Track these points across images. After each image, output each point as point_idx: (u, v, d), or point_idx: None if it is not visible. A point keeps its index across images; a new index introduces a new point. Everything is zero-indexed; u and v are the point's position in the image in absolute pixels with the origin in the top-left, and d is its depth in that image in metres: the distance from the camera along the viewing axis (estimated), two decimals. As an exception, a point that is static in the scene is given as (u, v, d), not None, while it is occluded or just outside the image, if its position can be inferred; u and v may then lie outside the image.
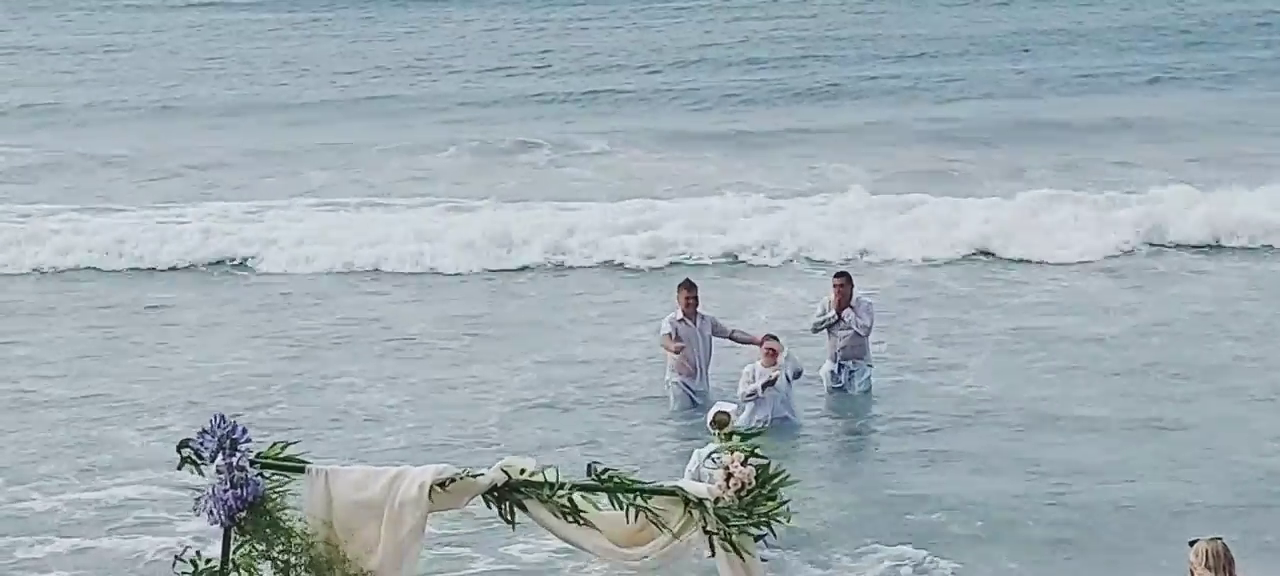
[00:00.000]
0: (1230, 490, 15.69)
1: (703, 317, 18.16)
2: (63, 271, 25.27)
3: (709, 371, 18.18)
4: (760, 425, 15.88)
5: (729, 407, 15.36)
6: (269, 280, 24.50)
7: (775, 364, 17.01)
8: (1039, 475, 16.18)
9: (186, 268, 25.07)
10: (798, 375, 17.55)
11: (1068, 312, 21.70)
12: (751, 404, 16.99)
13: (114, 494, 16.23)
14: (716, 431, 14.58)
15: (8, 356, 21.28)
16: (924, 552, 14.50)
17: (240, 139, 34.17)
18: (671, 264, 23.98)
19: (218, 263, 25.15)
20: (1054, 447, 16.92)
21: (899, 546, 14.64)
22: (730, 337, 18.24)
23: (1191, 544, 9.57)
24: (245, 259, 25.24)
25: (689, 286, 18.30)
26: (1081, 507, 15.33)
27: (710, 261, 24.32)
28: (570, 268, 24.45)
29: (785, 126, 33.62)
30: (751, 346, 17.92)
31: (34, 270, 25.26)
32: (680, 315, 18.06)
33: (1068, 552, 14.50)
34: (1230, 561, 9.39)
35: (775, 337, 17.35)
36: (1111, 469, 16.30)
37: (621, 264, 24.46)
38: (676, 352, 17.89)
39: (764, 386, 16.95)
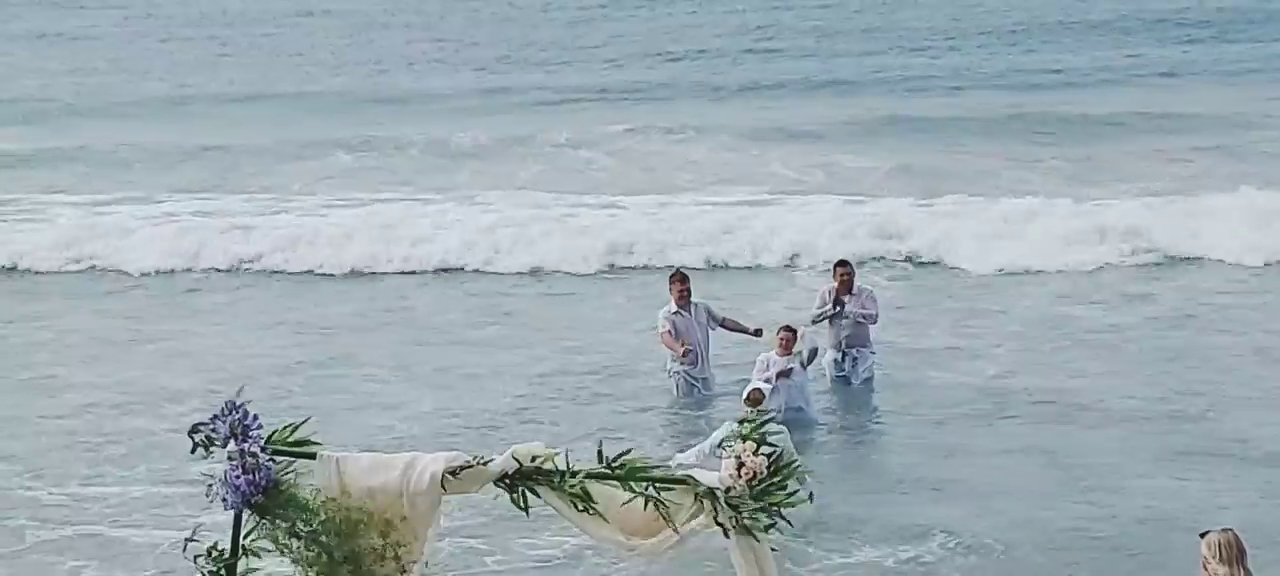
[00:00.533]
0: (1254, 484, 15.55)
1: (697, 305, 18.29)
2: (84, 260, 25.23)
3: (709, 356, 18.30)
4: (773, 415, 15.81)
5: (764, 385, 15.36)
6: (289, 271, 24.45)
7: (789, 353, 16.92)
8: (1060, 466, 16.08)
9: (207, 261, 24.96)
10: (813, 354, 17.52)
11: (1086, 303, 21.64)
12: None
13: (131, 483, 16.16)
14: (751, 408, 14.61)
15: (31, 341, 21.36)
16: (946, 542, 14.39)
17: (260, 129, 34.17)
18: (679, 265, 23.67)
19: (235, 267, 24.88)
20: (1075, 439, 16.81)
21: (920, 536, 14.53)
22: (722, 326, 18.34)
23: (1202, 536, 9.51)
24: (265, 251, 25.08)
25: (682, 277, 18.44)
26: (1105, 502, 15.17)
27: (728, 261, 24.13)
28: (586, 263, 24.25)
29: (804, 118, 33.55)
30: (746, 336, 18.09)
31: (63, 268, 25.09)
32: (675, 307, 18.15)
33: (1094, 548, 14.33)
34: (1242, 551, 9.34)
35: (790, 328, 17.25)
36: (1135, 461, 16.18)
37: (635, 251, 24.35)
38: (684, 356, 17.95)
39: (778, 376, 16.84)
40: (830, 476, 15.80)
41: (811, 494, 14.23)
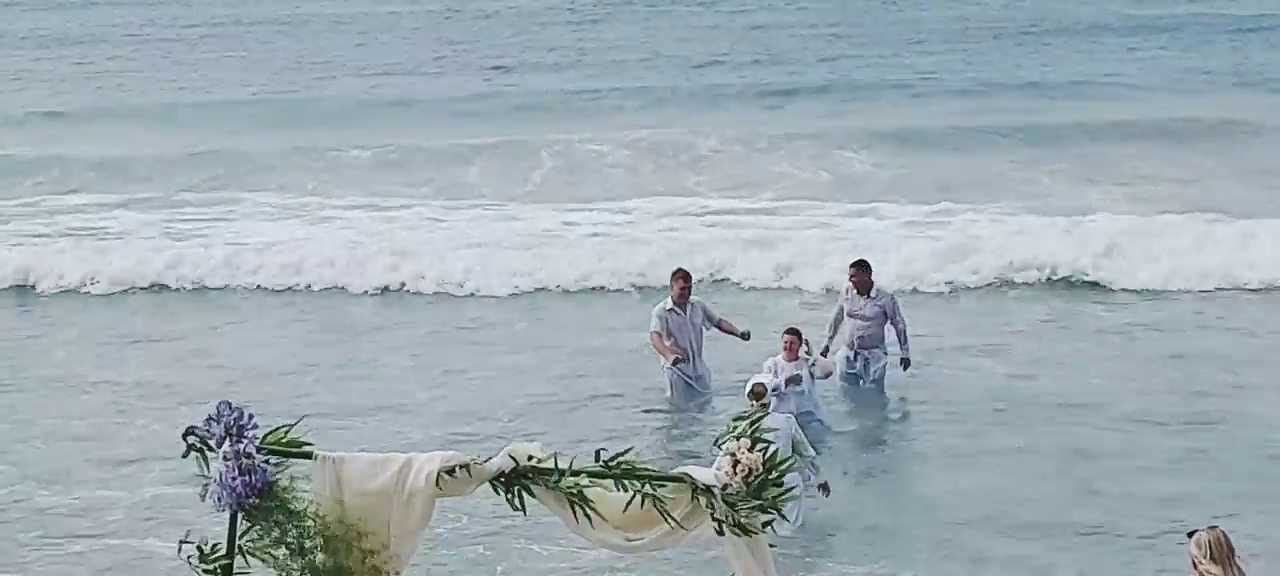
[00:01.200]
0: (1274, 484, 15.46)
1: (693, 305, 18.35)
2: (99, 265, 25.03)
3: (703, 356, 18.39)
4: (772, 411, 15.72)
5: (765, 379, 15.29)
6: (303, 276, 24.25)
7: (796, 357, 16.82)
8: (1074, 470, 15.97)
9: (219, 266, 24.79)
10: (826, 376, 17.46)
11: (1097, 305, 21.60)
12: (773, 399, 16.72)
13: (144, 486, 16.09)
14: (754, 402, 14.59)
15: (46, 346, 21.49)
16: (962, 550, 14.28)
17: (273, 133, 34.14)
18: (718, 277, 23.42)
19: (249, 273, 24.47)
20: (1090, 440, 16.71)
21: (938, 544, 14.44)
22: (717, 326, 18.43)
23: (1190, 535, 9.45)
24: (279, 256, 24.77)
25: (684, 276, 18.48)
26: (1124, 506, 15.01)
27: (738, 279, 23.79)
28: (596, 272, 23.94)
29: (811, 123, 33.43)
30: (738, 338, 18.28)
31: (80, 272, 24.81)
32: (671, 304, 18.22)
33: (1114, 552, 14.16)
34: (1232, 549, 9.31)
35: (795, 330, 17.15)
36: (1153, 463, 16.09)
37: (644, 262, 24.07)
38: (674, 362, 18.02)
39: (787, 382, 16.73)
40: (844, 482, 15.71)
41: (826, 484, 14.44)
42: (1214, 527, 9.44)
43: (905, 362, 18.24)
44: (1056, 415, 17.52)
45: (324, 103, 38.05)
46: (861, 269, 18.52)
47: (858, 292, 18.39)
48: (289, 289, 23.91)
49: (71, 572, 14.49)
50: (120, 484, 16.24)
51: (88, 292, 23.97)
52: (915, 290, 22.37)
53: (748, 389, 15.00)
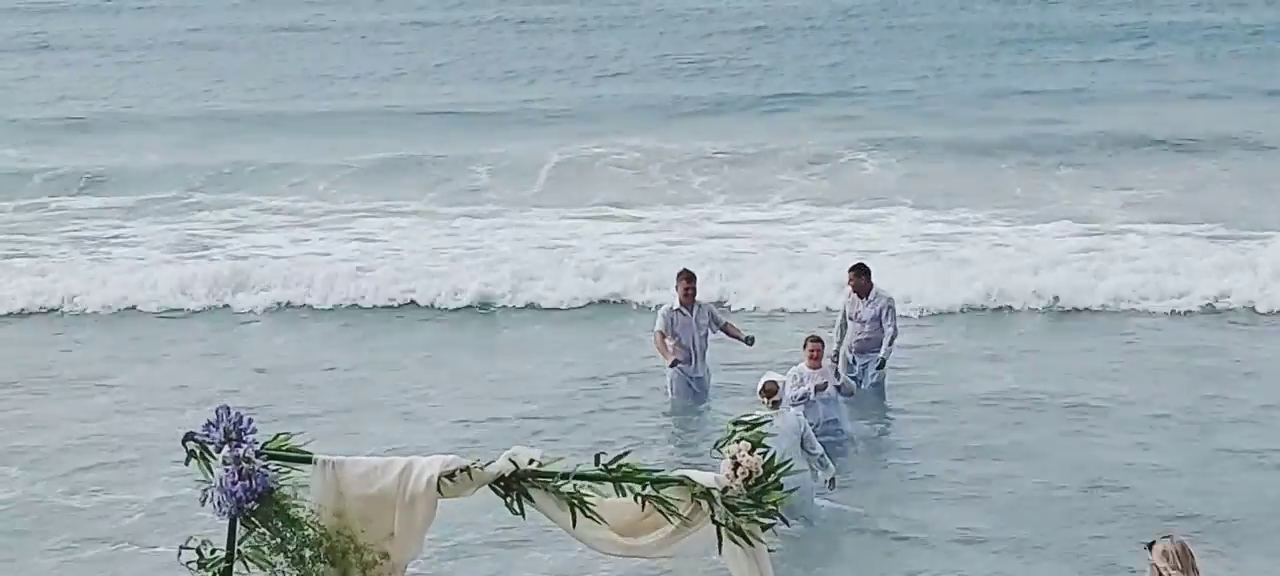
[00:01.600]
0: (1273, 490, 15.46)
1: (700, 306, 18.39)
2: (110, 272, 25.03)
3: (706, 358, 18.42)
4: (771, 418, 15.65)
5: (777, 376, 15.25)
6: (315, 287, 24.13)
7: (820, 365, 16.81)
8: (1082, 474, 15.93)
9: (231, 276, 24.69)
10: (849, 395, 17.46)
11: (1111, 309, 21.61)
12: (800, 407, 16.68)
13: (155, 491, 16.08)
14: (765, 400, 14.53)
15: (62, 345, 21.59)
16: (976, 554, 14.26)
17: (283, 146, 34.14)
18: (724, 283, 23.16)
19: (260, 285, 24.19)
20: (1097, 445, 16.69)
21: (952, 550, 14.41)
22: (723, 330, 18.47)
23: (1149, 546, 9.37)
24: (292, 268, 24.55)
25: (688, 277, 18.53)
26: (1136, 515, 14.90)
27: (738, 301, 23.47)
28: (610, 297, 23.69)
29: (817, 133, 33.38)
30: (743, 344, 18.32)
31: (96, 289, 24.55)
32: (677, 304, 18.27)
33: (1125, 550, 14.16)
34: (1192, 556, 9.24)
35: (818, 338, 17.14)
36: (1165, 464, 16.09)
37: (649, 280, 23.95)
38: (673, 364, 18.10)
39: (816, 389, 16.65)
40: (850, 486, 15.68)
41: (833, 479, 14.41)
42: (1168, 535, 9.38)
43: (882, 362, 18.21)
44: (1064, 420, 17.51)
45: (332, 110, 38.06)
46: (860, 272, 18.53)
47: (857, 296, 18.40)
48: (297, 295, 23.86)
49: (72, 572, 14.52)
50: (133, 488, 16.26)
51: (97, 299, 23.92)
52: (924, 312, 22.12)
53: (759, 387, 15.01)
